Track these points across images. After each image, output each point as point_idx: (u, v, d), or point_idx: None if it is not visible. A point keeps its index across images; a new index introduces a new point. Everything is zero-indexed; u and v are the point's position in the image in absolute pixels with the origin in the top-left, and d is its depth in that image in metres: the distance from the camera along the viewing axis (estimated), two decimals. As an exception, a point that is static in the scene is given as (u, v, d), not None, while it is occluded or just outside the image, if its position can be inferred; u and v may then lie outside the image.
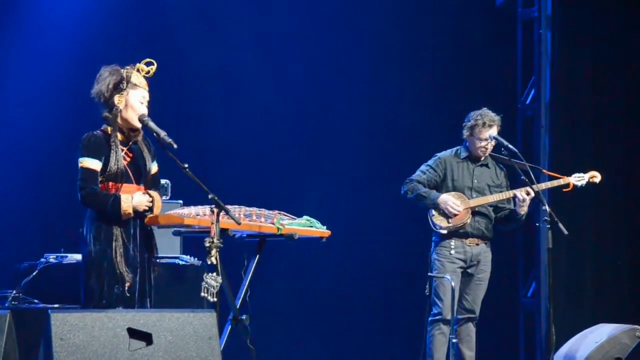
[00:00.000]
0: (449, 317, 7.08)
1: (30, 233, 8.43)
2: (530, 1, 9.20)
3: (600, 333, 7.14)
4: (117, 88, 5.56)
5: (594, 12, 9.20)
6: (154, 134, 5.64)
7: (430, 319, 7.22)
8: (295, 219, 6.41)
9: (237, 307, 6.30)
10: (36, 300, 6.96)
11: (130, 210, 5.51)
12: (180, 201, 7.38)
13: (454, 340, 7.08)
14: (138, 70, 5.65)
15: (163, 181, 7.67)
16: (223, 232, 5.81)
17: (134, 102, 5.59)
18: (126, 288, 5.50)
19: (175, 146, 5.57)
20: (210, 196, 5.59)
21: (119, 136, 5.61)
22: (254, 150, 9.35)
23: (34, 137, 8.62)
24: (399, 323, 9.01)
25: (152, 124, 5.64)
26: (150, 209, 5.61)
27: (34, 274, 7.06)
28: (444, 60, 9.58)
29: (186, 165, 5.59)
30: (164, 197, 7.60)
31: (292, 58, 9.45)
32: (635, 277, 9.14)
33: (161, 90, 7.95)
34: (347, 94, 9.53)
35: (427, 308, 7.24)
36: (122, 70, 5.60)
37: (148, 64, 5.66)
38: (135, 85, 5.60)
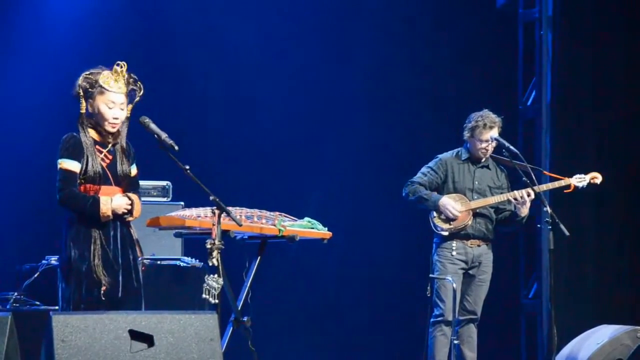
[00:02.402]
0: (450, 318, 7.08)
1: (31, 235, 8.41)
2: (531, 2, 9.20)
3: (601, 334, 7.14)
4: (87, 93, 5.54)
5: (595, 13, 9.20)
6: (155, 136, 5.62)
7: (431, 320, 7.22)
8: (296, 220, 6.42)
9: (239, 308, 6.31)
10: (37, 302, 6.96)
11: (109, 213, 5.47)
12: (182, 203, 7.38)
13: (456, 342, 7.09)
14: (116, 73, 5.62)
15: (164, 183, 7.69)
16: (224, 233, 5.82)
17: (102, 107, 5.53)
18: (102, 292, 5.46)
19: (176, 148, 5.56)
20: (211, 198, 5.58)
21: (98, 137, 5.58)
22: (255, 152, 9.35)
23: (35, 138, 8.61)
24: (401, 324, 9.01)
25: (153, 126, 5.63)
26: (130, 212, 5.57)
27: (36, 275, 7.06)
28: (445, 62, 9.57)
29: (187, 167, 5.58)
30: (165, 199, 7.64)
31: (292, 60, 9.45)
32: (636, 278, 9.14)
33: (162, 92, 7.96)
34: (348, 95, 9.52)
35: (428, 309, 7.24)
36: (92, 74, 5.56)
37: (119, 67, 5.60)
38: (103, 89, 5.53)
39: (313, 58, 9.47)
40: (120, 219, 5.55)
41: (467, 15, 9.54)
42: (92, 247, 5.46)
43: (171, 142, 5.58)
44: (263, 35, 9.40)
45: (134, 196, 5.58)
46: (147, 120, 5.63)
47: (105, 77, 5.55)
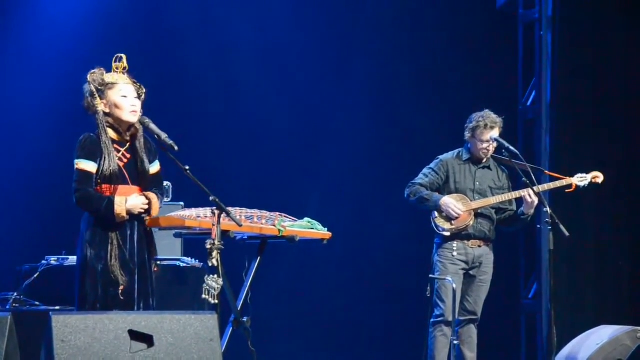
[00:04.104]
0: (450, 318, 7.08)
1: (31, 235, 8.43)
2: (531, 3, 9.19)
3: (601, 335, 7.14)
4: (97, 95, 5.56)
5: (594, 13, 9.20)
6: (155, 136, 5.63)
7: (432, 320, 7.23)
8: (296, 220, 6.41)
9: (239, 309, 6.30)
10: (37, 303, 6.96)
11: (124, 214, 5.49)
12: (182, 203, 7.38)
13: (456, 342, 7.08)
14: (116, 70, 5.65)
15: (165, 183, 7.68)
16: (224, 234, 5.81)
17: (117, 99, 5.57)
18: (120, 291, 5.48)
19: (176, 148, 5.56)
20: (211, 198, 5.58)
21: (115, 137, 5.60)
22: (255, 152, 9.36)
23: (35, 138, 8.63)
24: (401, 325, 9.01)
25: (153, 126, 5.63)
26: (147, 211, 5.59)
27: (35, 276, 7.06)
28: (445, 62, 9.58)
29: (187, 167, 5.58)
30: (165, 199, 7.63)
31: (293, 60, 9.45)
32: (636, 279, 9.13)
33: (162, 92, 7.96)
34: (348, 96, 9.53)
35: (428, 310, 7.24)
36: (96, 74, 5.58)
37: (119, 60, 5.63)
38: (111, 84, 5.57)
39: (314, 58, 9.47)
40: (137, 218, 5.57)
41: (467, 15, 9.54)
42: (109, 248, 5.49)
43: (171, 142, 5.58)
44: (264, 35, 9.41)
45: (151, 195, 5.60)
46: (147, 120, 5.64)
47: (110, 74, 5.61)
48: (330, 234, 6.52)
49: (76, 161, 5.54)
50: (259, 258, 6.45)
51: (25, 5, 8.91)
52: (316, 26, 9.48)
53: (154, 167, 5.71)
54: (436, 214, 7.24)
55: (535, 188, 7.14)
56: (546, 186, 7.36)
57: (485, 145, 7.26)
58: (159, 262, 7.24)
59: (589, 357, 6.99)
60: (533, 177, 7.20)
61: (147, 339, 4.93)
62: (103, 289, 5.47)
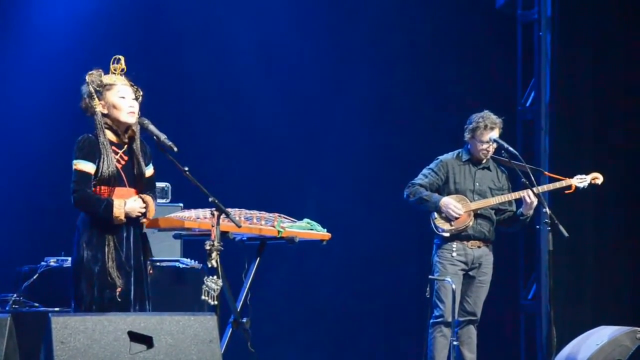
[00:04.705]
0: (450, 319, 7.08)
1: (31, 236, 8.42)
2: (530, 3, 9.19)
3: (601, 335, 7.13)
4: (95, 96, 5.56)
5: (593, 14, 9.20)
6: (154, 137, 5.63)
7: (431, 321, 7.23)
8: (295, 221, 6.42)
9: (238, 310, 6.31)
10: (37, 304, 6.95)
11: (123, 217, 5.48)
12: (181, 204, 7.37)
13: (455, 343, 7.08)
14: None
15: (164, 184, 7.69)
16: (223, 235, 5.82)
17: (115, 100, 5.56)
18: (117, 293, 5.48)
19: (175, 149, 5.55)
20: (210, 199, 5.58)
21: (114, 138, 5.60)
22: (254, 153, 9.35)
23: (34, 139, 8.62)
24: (400, 325, 9.01)
25: (152, 127, 5.63)
26: (144, 215, 5.59)
27: (35, 277, 7.06)
28: (444, 63, 9.57)
29: (186, 168, 5.58)
30: (164, 200, 7.64)
31: (293, 61, 9.45)
32: (636, 279, 9.14)
33: (161, 93, 7.97)
34: (347, 96, 9.52)
35: (428, 311, 7.24)
36: (94, 76, 5.59)
37: (117, 62, 5.64)
38: (109, 85, 5.57)
39: (313, 59, 9.47)
40: (133, 221, 5.56)
41: (467, 16, 9.54)
42: (105, 249, 5.48)
43: (170, 143, 5.58)
44: (263, 37, 9.40)
45: (148, 198, 5.59)
46: (146, 121, 5.64)
47: (108, 75, 5.61)
48: (329, 234, 6.53)
49: (74, 162, 5.53)
50: (258, 259, 6.46)
51: (23, 6, 8.90)
52: (315, 27, 9.48)
53: (149, 170, 5.70)
54: (436, 214, 7.24)
55: (534, 189, 7.13)
56: (545, 187, 7.35)
57: (485, 146, 7.25)
58: (158, 264, 7.27)
59: (588, 357, 6.98)
60: (532, 178, 7.19)
61: (146, 340, 4.93)
62: (99, 291, 5.45)
